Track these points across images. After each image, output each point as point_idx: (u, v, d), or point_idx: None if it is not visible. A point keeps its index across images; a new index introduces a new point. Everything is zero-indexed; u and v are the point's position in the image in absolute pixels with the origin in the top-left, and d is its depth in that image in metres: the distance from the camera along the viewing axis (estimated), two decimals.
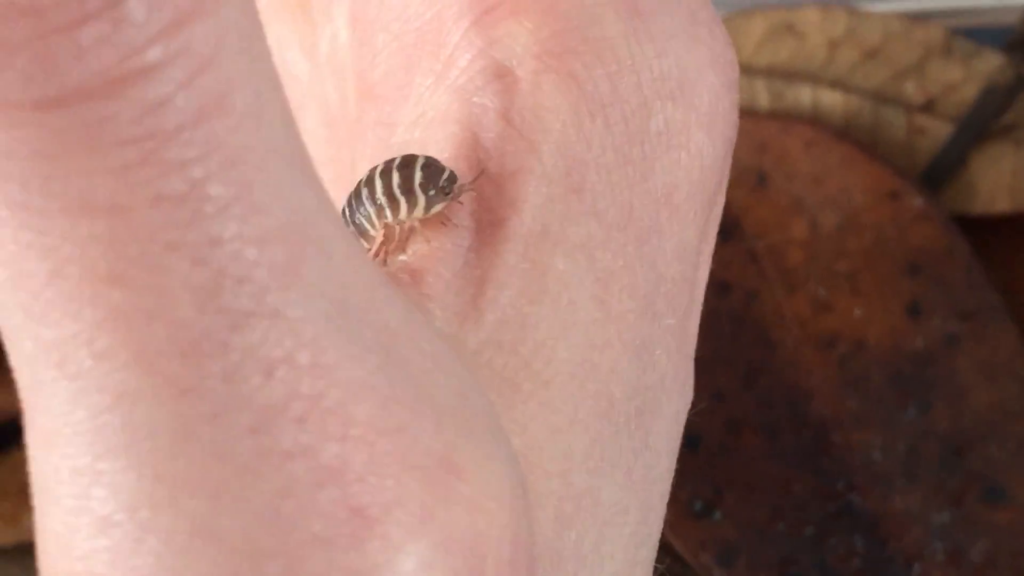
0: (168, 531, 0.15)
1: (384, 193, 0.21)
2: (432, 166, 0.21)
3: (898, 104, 0.47)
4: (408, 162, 0.21)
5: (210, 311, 0.14)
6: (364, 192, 0.21)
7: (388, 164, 0.21)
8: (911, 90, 0.47)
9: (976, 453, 0.40)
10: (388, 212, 0.21)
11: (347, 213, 0.22)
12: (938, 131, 0.47)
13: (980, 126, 0.47)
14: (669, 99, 0.22)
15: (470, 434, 0.17)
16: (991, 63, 0.47)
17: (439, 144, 0.22)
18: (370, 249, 0.21)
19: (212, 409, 0.15)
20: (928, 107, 0.47)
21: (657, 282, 0.22)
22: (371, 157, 0.24)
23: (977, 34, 0.48)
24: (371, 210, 0.21)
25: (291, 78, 0.29)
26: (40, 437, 0.16)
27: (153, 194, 0.14)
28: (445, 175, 0.21)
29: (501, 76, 0.22)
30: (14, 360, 0.15)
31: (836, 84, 0.48)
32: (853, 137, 0.46)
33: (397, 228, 0.21)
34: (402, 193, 0.21)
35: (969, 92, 0.47)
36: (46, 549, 0.16)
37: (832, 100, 0.47)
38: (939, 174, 0.47)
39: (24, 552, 0.43)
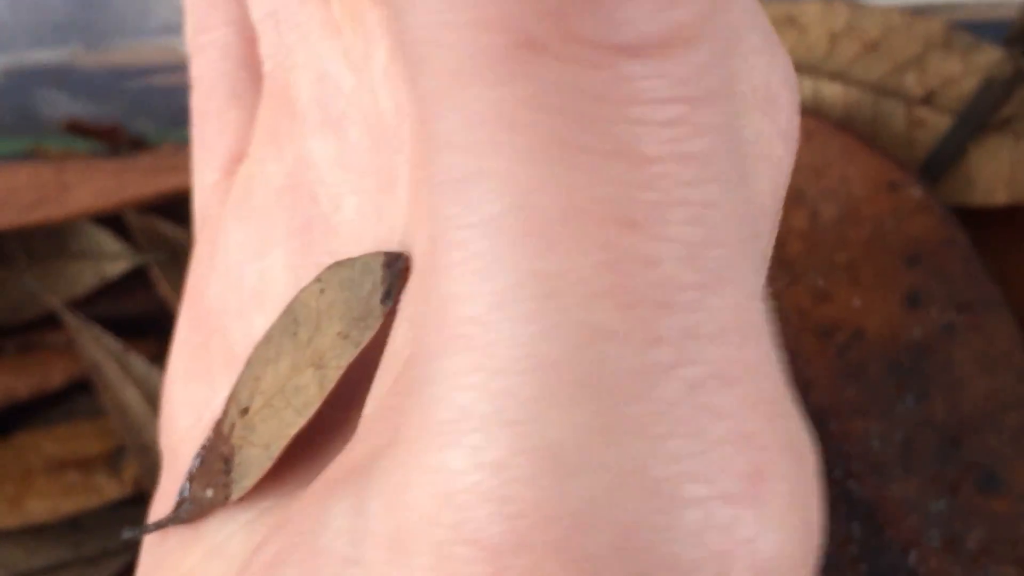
0: (600, 472, 0.15)
1: None
2: None
3: (898, 96, 0.48)
4: None
5: (692, 268, 0.15)
6: None
7: None
8: (911, 83, 0.47)
9: (973, 442, 0.40)
10: None
11: None
12: (937, 123, 0.47)
13: (979, 119, 0.47)
14: (758, 110, 0.22)
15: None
16: (990, 57, 0.47)
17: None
18: None
19: (671, 360, 0.15)
20: (928, 100, 0.48)
21: None
22: None
23: (977, 28, 0.48)
24: None
25: (334, 91, 0.29)
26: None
27: (680, 152, 0.15)
28: None
29: None
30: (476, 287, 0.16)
31: (836, 76, 0.48)
32: (853, 129, 0.47)
33: None
34: None
35: (968, 85, 0.47)
36: None
37: (832, 92, 0.47)
38: (938, 166, 0.47)
39: (27, 535, 0.43)
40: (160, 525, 0.29)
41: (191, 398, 0.31)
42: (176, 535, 0.29)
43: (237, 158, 0.32)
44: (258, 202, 0.30)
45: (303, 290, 0.28)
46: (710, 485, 0.15)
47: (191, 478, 0.29)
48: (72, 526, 0.44)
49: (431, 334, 0.16)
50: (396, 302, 0.25)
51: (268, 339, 0.28)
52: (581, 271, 0.15)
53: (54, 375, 0.45)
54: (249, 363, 0.28)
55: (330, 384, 0.26)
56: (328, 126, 0.29)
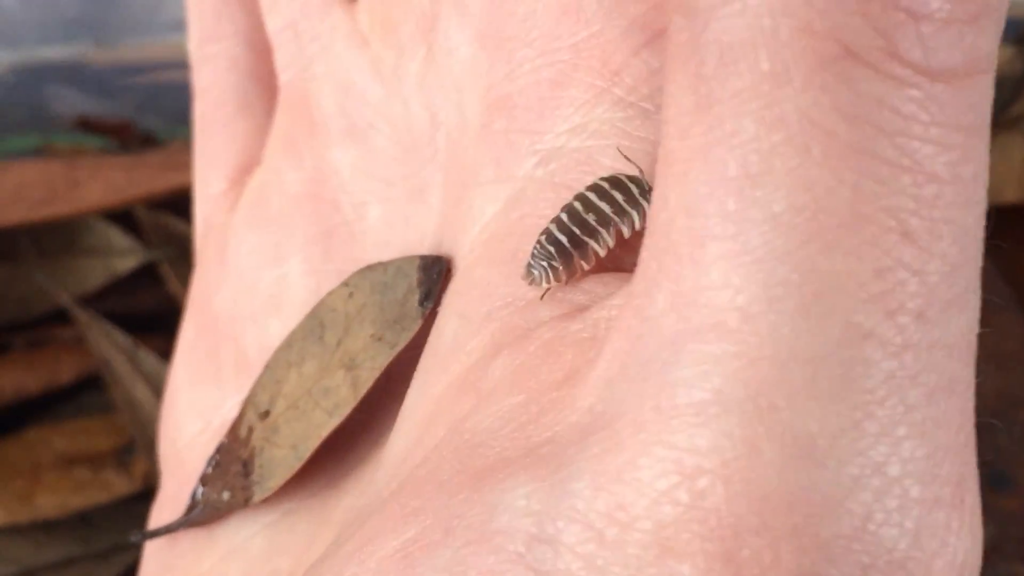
0: (847, 466, 0.16)
1: (614, 212, 0.23)
2: (634, 179, 0.23)
3: None
4: (617, 180, 0.23)
5: (949, 284, 0.16)
6: (592, 217, 0.23)
7: (598, 187, 0.23)
8: None
9: (983, 440, 0.40)
10: (624, 227, 0.23)
11: (570, 240, 0.23)
12: None
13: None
14: None
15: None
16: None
17: (608, 153, 0.24)
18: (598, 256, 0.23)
19: (917, 368, 0.16)
20: None
21: None
22: (500, 160, 0.25)
23: None
24: (606, 230, 0.23)
25: (359, 101, 0.30)
26: None
27: (954, 174, 0.16)
28: (644, 185, 0.23)
29: None
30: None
31: None
32: None
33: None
34: (632, 207, 0.23)
35: None
36: None
37: None
38: None
39: (37, 530, 0.43)
40: (172, 528, 0.29)
41: (198, 404, 0.31)
42: (188, 539, 0.29)
43: (246, 168, 0.32)
44: (274, 210, 0.31)
45: (329, 294, 0.28)
46: (929, 488, 0.16)
47: (204, 481, 0.29)
48: (82, 521, 0.44)
49: (672, 322, 0.17)
50: (437, 303, 0.26)
51: (289, 343, 0.29)
52: (858, 275, 0.16)
53: (64, 371, 0.45)
54: (268, 367, 0.29)
55: (365, 385, 0.26)
56: (352, 136, 0.30)
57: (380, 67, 0.30)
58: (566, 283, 0.23)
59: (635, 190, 0.23)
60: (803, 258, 0.16)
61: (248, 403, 0.29)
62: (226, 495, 0.28)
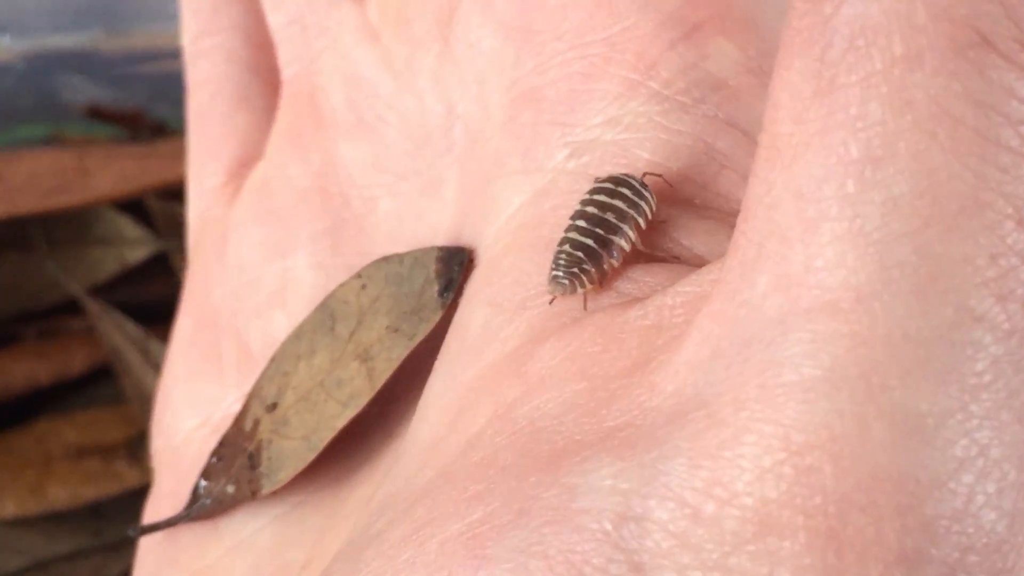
0: (953, 448, 0.16)
1: (629, 206, 0.23)
2: (628, 176, 0.24)
3: None
4: (618, 179, 0.24)
5: None
6: (611, 215, 0.23)
7: (605, 189, 0.24)
8: None
9: None
10: (640, 219, 0.24)
11: (597, 241, 0.23)
12: None
13: None
14: None
15: None
16: None
17: (645, 146, 0.25)
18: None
19: (1021, 354, 0.16)
20: None
21: None
22: (528, 151, 0.26)
23: None
24: (627, 225, 0.23)
25: (370, 95, 0.30)
26: None
27: None
28: (638, 180, 0.24)
29: (719, 88, 0.25)
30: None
31: None
32: None
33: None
34: (639, 199, 0.23)
35: None
36: None
37: None
38: None
39: (48, 521, 0.43)
40: (173, 522, 0.29)
41: (196, 398, 0.31)
42: (189, 533, 0.29)
43: (245, 162, 0.32)
44: (279, 204, 0.31)
45: (341, 287, 0.28)
46: (1020, 472, 0.16)
47: (207, 475, 0.29)
48: (93, 513, 0.44)
49: (777, 303, 0.17)
50: (459, 294, 0.26)
51: (298, 335, 0.29)
52: (973, 260, 0.16)
53: (75, 361, 0.45)
54: (274, 360, 0.29)
55: (382, 377, 0.27)
56: (361, 129, 0.30)
57: (392, 61, 0.30)
58: (599, 285, 0.23)
59: (636, 183, 0.24)
60: (922, 242, 0.16)
61: (253, 396, 0.29)
62: (231, 488, 0.28)
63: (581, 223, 0.23)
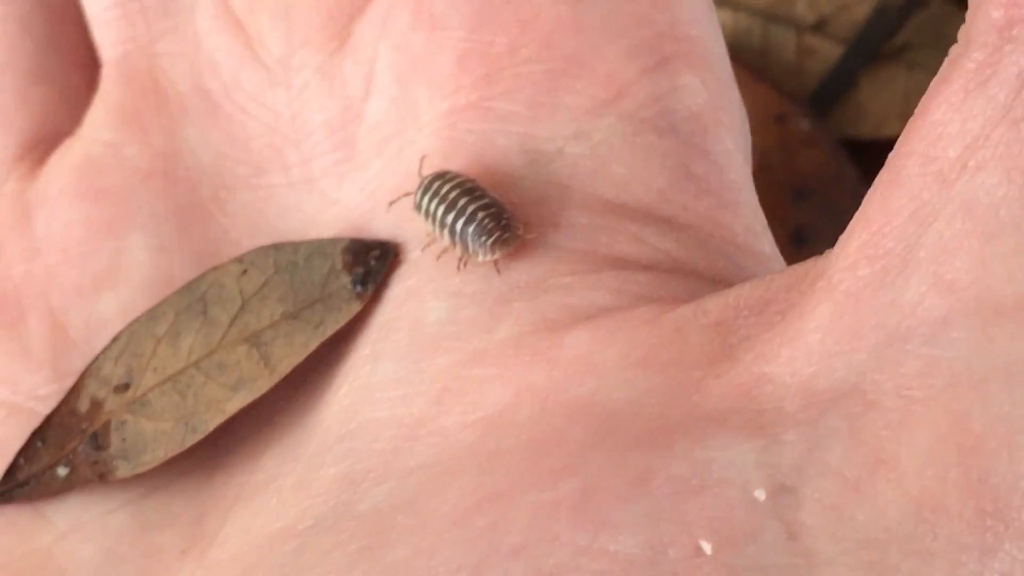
0: None
1: (469, 181, 0.26)
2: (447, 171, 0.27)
3: (788, 23, 0.46)
4: (439, 174, 0.26)
5: None
6: (469, 184, 0.26)
7: (442, 181, 0.26)
8: (802, 9, 0.45)
9: None
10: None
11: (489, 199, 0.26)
12: (829, 52, 0.45)
13: (871, 47, 0.45)
14: None
15: None
16: None
17: (619, 160, 0.26)
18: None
19: None
20: (819, 27, 0.46)
21: None
22: (477, 157, 0.27)
23: None
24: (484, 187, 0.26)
25: (228, 84, 0.30)
26: None
27: None
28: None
29: (690, 119, 0.26)
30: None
31: (724, 2, 0.45)
32: (741, 58, 0.43)
33: None
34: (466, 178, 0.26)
35: (861, 12, 0.45)
36: None
37: (720, 18, 0.41)
38: (828, 96, 0.45)
39: None
40: None
41: None
42: (0, 517, 0.28)
43: (44, 137, 0.31)
44: (109, 182, 0.30)
45: (214, 270, 0.28)
46: None
47: (27, 457, 0.28)
48: None
49: (936, 303, 0.18)
50: (382, 287, 0.27)
51: (153, 316, 0.28)
52: None
53: None
54: (117, 340, 0.28)
55: (283, 361, 0.27)
56: (214, 117, 0.30)
57: (260, 53, 0.30)
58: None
59: (450, 173, 0.26)
60: None
61: (88, 376, 0.28)
62: (62, 471, 0.28)
63: (462, 201, 0.25)
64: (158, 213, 0.30)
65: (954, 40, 0.19)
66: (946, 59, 0.19)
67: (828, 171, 0.42)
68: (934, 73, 0.20)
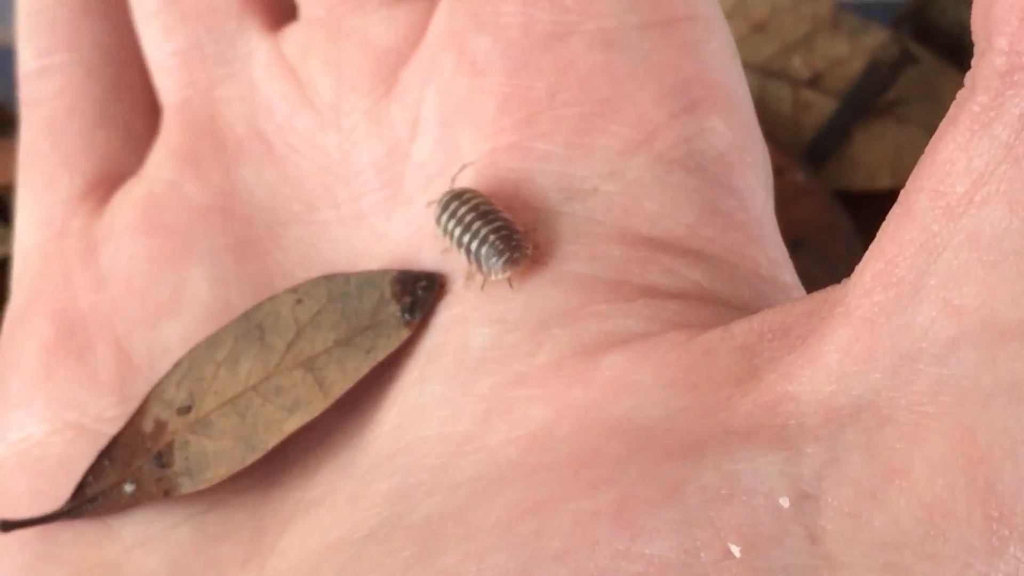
0: None
1: (482, 196, 0.28)
2: (463, 188, 0.28)
3: (785, 78, 0.46)
4: (456, 192, 0.28)
5: None
6: (483, 206, 0.28)
7: (456, 199, 0.28)
8: (798, 64, 0.46)
9: None
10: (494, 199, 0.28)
11: (501, 219, 0.27)
12: (823, 106, 0.46)
13: (864, 101, 0.45)
14: None
15: None
16: (877, 38, 0.46)
17: (651, 198, 0.27)
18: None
19: None
20: (814, 82, 0.47)
21: None
22: (516, 193, 0.28)
23: (864, 9, 0.47)
24: (498, 207, 0.28)
25: (282, 126, 0.31)
26: None
27: None
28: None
29: (717, 160, 0.28)
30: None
31: None
32: None
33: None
34: (478, 193, 0.28)
35: (855, 67, 0.46)
36: None
37: None
38: (823, 149, 0.46)
39: None
40: (52, 518, 0.29)
41: (56, 400, 0.31)
42: (69, 531, 0.29)
43: (107, 177, 0.33)
44: (172, 219, 0.31)
45: (270, 300, 0.30)
46: None
47: (95, 474, 0.29)
48: None
49: (945, 326, 0.20)
50: (429, 315, 0.28)
51: (213, 343, 0.30)
52: None
53: None
54: (180, 365, 0.30)
55: (337, 385, 0.28)
56: (269, 158, 0.31)
57: (311, 97, 0.31)
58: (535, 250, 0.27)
59: (463, 188, 0.28)
60: None
61: (153, 399, 0.29)
62: (129, 487, 0.29)
63: (477, 224, 0.27)
64: (217, 247, 0.31)
65: (944, 95, 0.19)
66: (953, 103, 0.20)
67: (823, 222, 0.43)
68: (924, 127, 0.19)
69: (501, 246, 0.26)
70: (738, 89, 0.29)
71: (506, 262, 0.26)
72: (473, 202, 0.27)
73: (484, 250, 0.27)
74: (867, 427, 0.20)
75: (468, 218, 0.27)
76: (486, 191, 0.28)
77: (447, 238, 0.28)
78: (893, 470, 0.19)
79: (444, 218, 0.27)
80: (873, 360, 0.20)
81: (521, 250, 0.26)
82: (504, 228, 0.27)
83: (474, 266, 0.27)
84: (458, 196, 0.27)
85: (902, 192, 0.21)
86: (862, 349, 0.20)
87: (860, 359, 0.20)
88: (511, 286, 0.26)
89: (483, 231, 0.27)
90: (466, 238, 0.27)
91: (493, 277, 0.27)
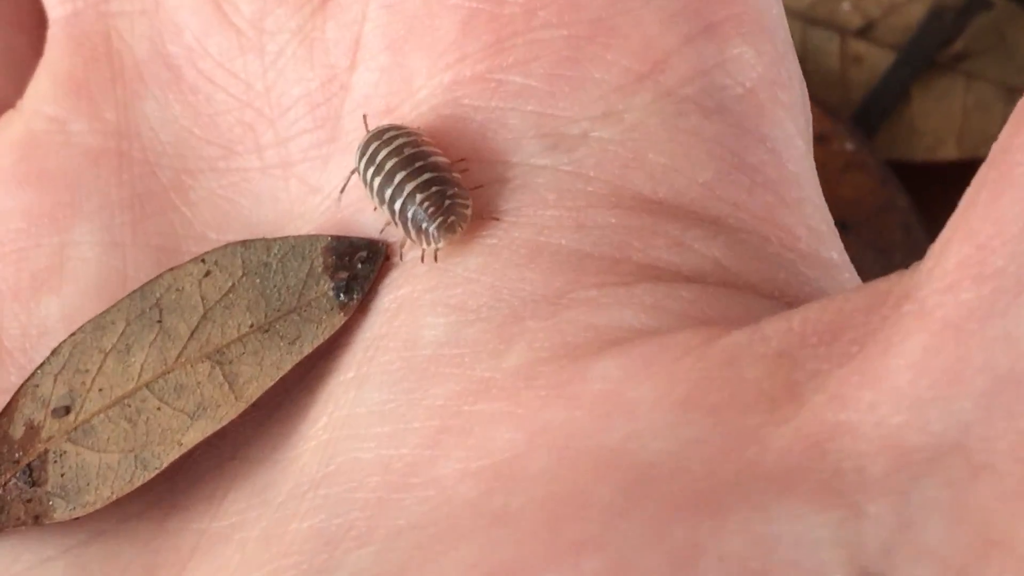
0: None
1: (412, 135, 0.25)
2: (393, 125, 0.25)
3: (831, 27, 0.45)
4: (383, 129, 0.25)
5: None
6: (408, 150, 0.24)
7: (380, 141, 0.24)
8: (847, 9, 0.44)
9: None
10: (426, 136, 0.25)
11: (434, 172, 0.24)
12: (877, 60, 0.44)
13: (925, 55, 0.44)
14: None
15: None
16: None
17: (659, 149, 0.24)
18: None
19: None
20: (866, 31, 0.45)
21: None
22: (485, 139, 0.25)
23: None
24: (431, 147, 0.25)
25: (194, 49, 0.29)
26: None
27: None
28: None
29: (743, 98, 0.24)
30: None
31: None
32: None
33: None
34: (410, 131, 0.25)
35: (914, 14, 0.44)
36: None
37: None
38: (876, 113, 0.44)
39: None
40: None
41: None
42: None
43: None
44: (53, 165, 0.29)
45: (170, 272, 0.27)
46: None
47: None
48: None
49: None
50: (370, 296, 0.25)
51: (99, 326, 0.27)
52: None
53: None
54: (58, 353, 0.27)
55: (252, 385, 0.25)
56: (178, 88, 0.29)
57: (230, 12, 0.28)
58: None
59: (394, 125, 0.25)
60: None
61: (24, 395, 0.27)
62: None
63: (400, 175, 0.23)
64: (109, 201, 0.28)
65: (1021, 46, 0.18)
66: None
67: (875, 200, 0.41)
68: (997, 85, 0.19)
69: (431, 207, 0.23)
70: (771, 7, 0.25)
71: (439, 227, 0.23)
72: (396, 143, 0.24)
73: (412, 212, 0.24)
74: (952, 479, 0.17)
75: (389, 165, 0.24)
76: (428, 130, 0.24)
77: (371, 194, 0.24)
78: (990, 542, 0.17)
79: (363, 165, 0.24)
80: (960, 383, 0.17)
81: (458, 211, 0.23)
82: (433, 182, 0.23)
83: (406, 232, 0.24)
84: (379, 136, 0.24)
85: (995, 150, 0.18)
86: (944, 367, 0.18)
87: (941, 381, 0.18)
88: (435, 258, 0.23)
89: (408, 186, 0.24)
90: (388, 193, 0.24)
91: (427, 246, 0.23)
